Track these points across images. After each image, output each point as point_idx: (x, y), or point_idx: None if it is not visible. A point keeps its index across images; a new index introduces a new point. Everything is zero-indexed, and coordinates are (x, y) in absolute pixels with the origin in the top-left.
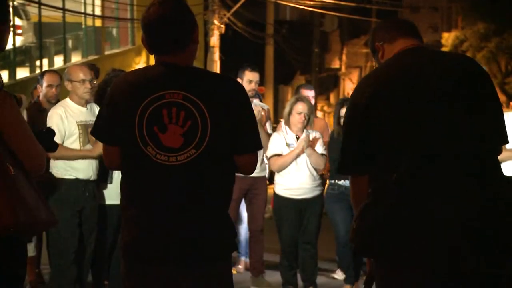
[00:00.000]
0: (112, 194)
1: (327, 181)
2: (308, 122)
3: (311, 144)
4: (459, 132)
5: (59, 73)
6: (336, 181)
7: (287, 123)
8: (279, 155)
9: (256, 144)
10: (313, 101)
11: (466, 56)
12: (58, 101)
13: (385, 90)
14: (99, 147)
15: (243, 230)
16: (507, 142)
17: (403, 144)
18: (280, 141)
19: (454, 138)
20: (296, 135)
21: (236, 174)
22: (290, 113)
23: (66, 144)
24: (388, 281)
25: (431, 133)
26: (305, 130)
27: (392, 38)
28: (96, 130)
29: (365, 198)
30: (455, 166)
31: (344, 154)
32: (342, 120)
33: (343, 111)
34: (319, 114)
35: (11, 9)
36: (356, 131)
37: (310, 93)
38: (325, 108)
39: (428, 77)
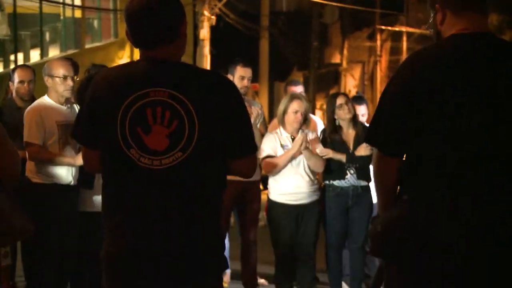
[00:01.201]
0: (94, 201)
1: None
2: (305, 122)
3: (310, 145)
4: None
5: (31, 68)
6: (331, 181)
7: (282, 122)
8: (272, 156)
9: (251, 147)
10: None
11: None
12: (32, 98)
13: (440, 84)
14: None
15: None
16: None
17: (446, 145)
18: (274, 142)
19: (494, 143)
20: (291, 136)
21: (228, 178)
22: (285, 112)
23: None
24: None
25: (476, 136)
26: (301, 130)
27: (459, 8)
28: (75, 132)
29: (392, 186)
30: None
31: (385, 129)
32: (338, 114)
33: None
34: (318, 113)
35: None
36: (403, 112)
37: (298, 89)
38: (325, 106)
39: (483, 76)
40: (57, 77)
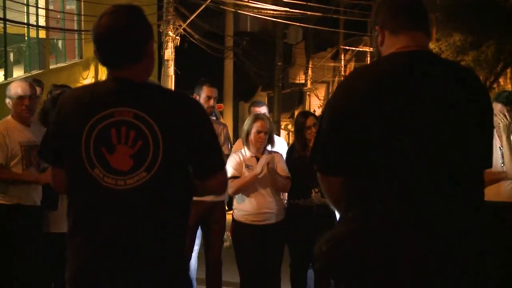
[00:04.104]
0: (58, 222)
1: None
2: (269, 141)
3: (275, 165)
4: (446, 155)
5: None
6: (296, 200)
7: (246, 143)
8: (237, 177)
9: (221, 163)
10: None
11: (466, 69)
12: None
13: (376, 100)
14: (46, 174)
15: (194, 259)
16: (490, 166)
17: (387, 164)
18: (238, 163)
19: (439, 163)
20: (255, 156)
21: (193, 199)
22: (248, 132)
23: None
24: None
25: (417, 156)
26: (266, 150)
27: (396, 28)
28: (41, 151)
29: (339, 202)
30: (437, 196)
31: (323, 151)
32: (306, 134)
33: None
34: (282, 133)
35: None
36: (338, 133)
37: (261, 110)
38: (290, 126)
39: (424, 93)
40: (13, 97)
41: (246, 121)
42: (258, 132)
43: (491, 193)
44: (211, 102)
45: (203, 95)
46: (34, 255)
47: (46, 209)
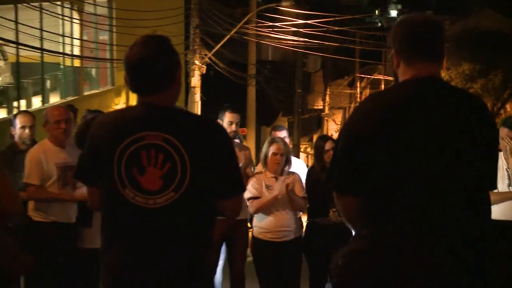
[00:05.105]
0: (92, 238)
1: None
2: (286, 163)
3: (293, 186)
4: (455, 177)
5: (32, 113)
6: (314, 219)
7: (264, 165)
8: (257, 197)
9: (239, 187)
10: (287, 140)
11: (474, 96)
12: (33, 141)
13: (389, 125)
14: (80, 192)
15: (219, 273)
16: (495, 188)
17: (398, 186)
18: (259, 183)
19: (448, 185)
20: (275, 176)
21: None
22: (266, 155)
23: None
24: None
25: (426, 178)
26: (284, 171)
27: (411, 59)
28: (77, 172)
29: (355, 220)
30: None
31: (338, 172)
32: (325, 157)
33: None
34: (302, 156)
35: None
36: (353, 156)
37: (281, 134)
38: (308, 149)
39: (434, 118)
40: (51, 122)
41: (264, 144)
42: (275, 154)
43: (499, 212)
44: (233, 126)
45: (225, 120)
46: (68, 270)
47: (80, 226)
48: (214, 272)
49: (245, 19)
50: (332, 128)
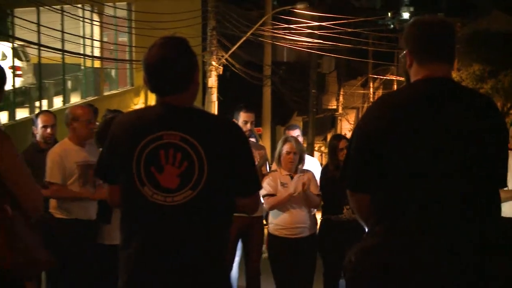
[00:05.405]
0: (111, 234)
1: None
2: (300, 161)
3: (307, 185)
4: (465, 176)
5: (53, 113)
6: (329, 215)
7: (278, 163)
8: (272, 194)
9: (256, 186)
10: (300, 139)
11: (485, 96)
12: (55, 141)
13: (400, 124)
14: (100, 191)
15: (235, 269)
16: (505, 186)
17: (409, 183)
18: (274, 181)
19: (459, 183)
20: (289, 174)
21: (234, 214)
22: (280, 154)
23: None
24: None
25: (437, 177)
26: (298, 168)
27: (423, 60)
28: (97, 169)
29: (367, 215)
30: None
31: (351, 170)
32: (338, 155)
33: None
34: (316, 154)
35: (11, 51)
36: (365, 154)
37: (294, 133)
38: (323, 148)
39: (445, 117)
40: (83, 120)
41: (278, 144)
42: (288, 153)
43: (509, 210)
44: (248, 126)
45: (240, 120)
46: (88, 266)
47: (100, 222)
48: (231, 268)
49: (261, 21)
50: (346, 127)
